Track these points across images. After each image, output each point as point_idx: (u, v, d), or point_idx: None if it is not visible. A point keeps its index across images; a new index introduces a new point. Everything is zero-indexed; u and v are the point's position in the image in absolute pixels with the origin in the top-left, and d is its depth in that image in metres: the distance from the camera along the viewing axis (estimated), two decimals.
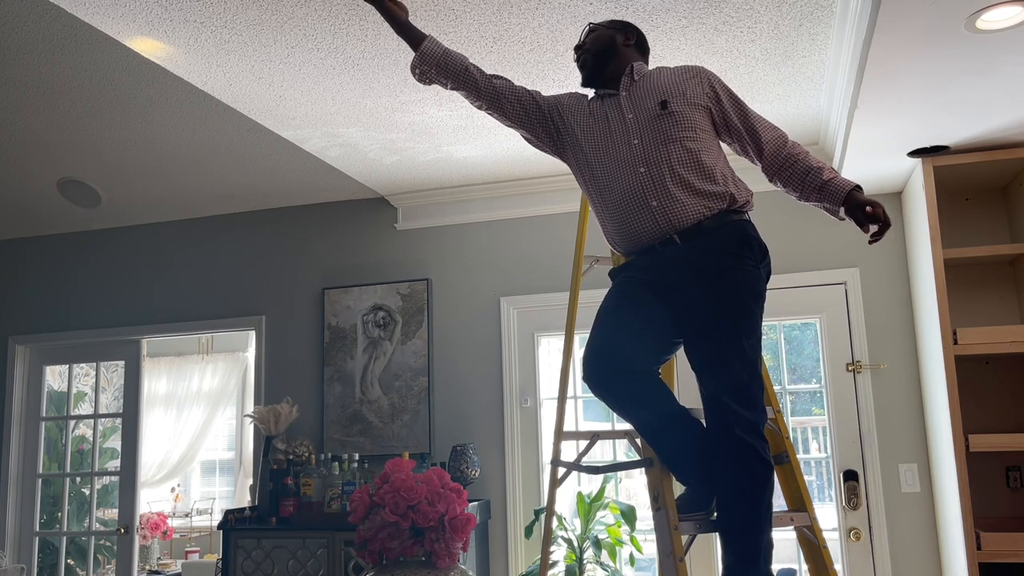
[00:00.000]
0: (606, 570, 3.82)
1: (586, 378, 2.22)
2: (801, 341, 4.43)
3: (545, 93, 3.26)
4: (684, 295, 2.13)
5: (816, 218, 3.98)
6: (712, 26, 2.78)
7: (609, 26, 2.36)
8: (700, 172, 2.14)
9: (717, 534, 2.14)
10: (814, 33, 2.85)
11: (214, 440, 7.13)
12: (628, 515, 3.79)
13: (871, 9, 2.23)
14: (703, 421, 2.16)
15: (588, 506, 3.86)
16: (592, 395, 2.26)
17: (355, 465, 4.08)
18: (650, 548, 3.85)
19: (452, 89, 2.32)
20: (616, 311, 2.22)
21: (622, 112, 2.24)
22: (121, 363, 5.11)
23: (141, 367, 4.99)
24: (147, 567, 5.99)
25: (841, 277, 3.92)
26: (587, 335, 2.27)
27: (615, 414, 2.28)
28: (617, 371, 2.17)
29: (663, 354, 2.25)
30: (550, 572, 3.73)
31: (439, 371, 4.41)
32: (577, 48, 2.38)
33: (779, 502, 2.29)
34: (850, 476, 3.81)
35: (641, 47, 2.39)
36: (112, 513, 5.89)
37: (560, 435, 2.81)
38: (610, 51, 2.31)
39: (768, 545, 2.08)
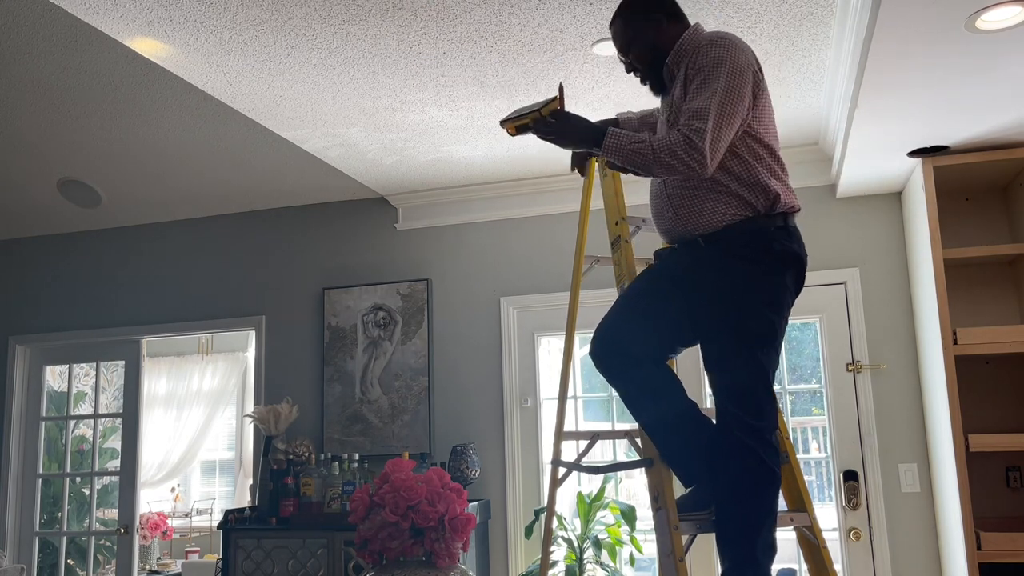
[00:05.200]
0: (606, 570, 3.82)
1: (595, 356, 2.20)
2: (801, 341, 4.43)
3: (547, 90, 3.27)
4: (702, 296, 2.12)
5: (816, 218, 3.98)
6: (712, 26, 2.78)
7: (632, 27, 2.17)
8: (724, 175, 2.08)
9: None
10: (814, 33, 2.85)
11: (214, 440, 7.14)
12: (628, 515, 3.79)
13: (871, 9, 2.23)
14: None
15: (588, 506, 3.86)
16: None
17: (355, 465, 4.08)
18: (650, 548, 3.85)
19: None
20: (639, 298, 2.22)
21: (662, 110, 2.22)
22: (121, 363, 5.11)
23: (141, 367, 4.99)
24: (147, 567, 5.99)
25: (841, 277, 3.92)
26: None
27: (622, 400, 2.27)
28: (629, 357, 2.16)
29: (677, 346, 2.24)
30: (550, 572, 3.73)
31: (439, 371, 4.41)
32: (627, 68, 2.25)
33: (780, 502, 2.29)
34: (850, 476, 3.81)
35: (673, 14, 2.19)
36: (112, 513, 5.89)
37: (560, 435, 2.81)
38: (657, 53, 2.16)
39: (766, 548, 2.06)
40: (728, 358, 2.09)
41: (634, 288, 2.26)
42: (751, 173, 2.08)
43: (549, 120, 2.06)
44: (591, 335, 2.25)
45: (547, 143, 2.22)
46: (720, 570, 2.10)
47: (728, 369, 2.09)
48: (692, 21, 2.72)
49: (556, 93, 2.08)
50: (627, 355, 2.16)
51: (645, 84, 2.25)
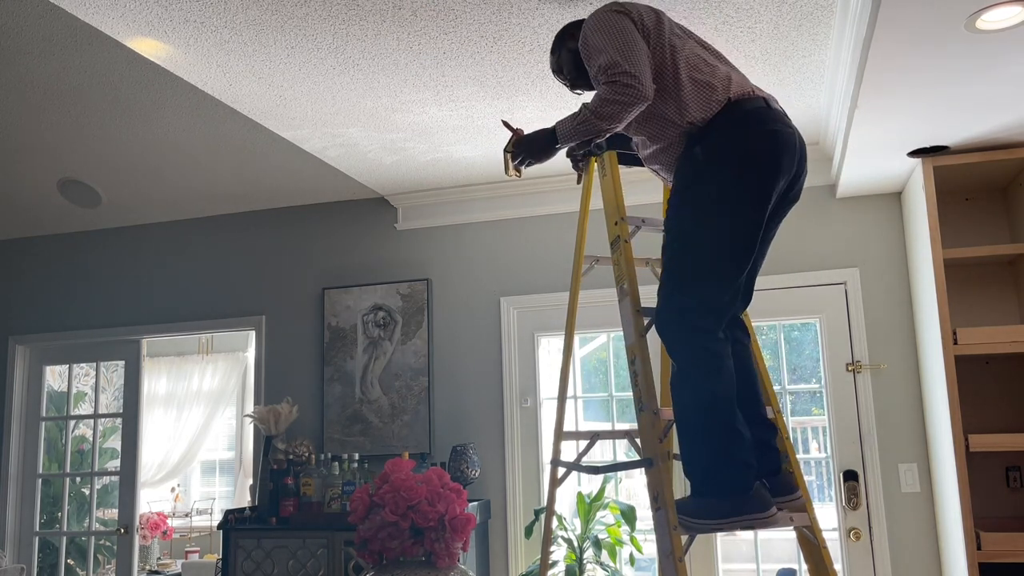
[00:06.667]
0: (606, 570, 3.82)
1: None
2: (801, 341, 4.43)
3: (544, 93, 3.28)
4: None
5: (816, 218, 3.98)
6: (712, 26, 2.78)
7: (560, 53, 2.39)
8: (653, 127, 2.19)
9: None
10: (814, 33, 2.85)
11: (214, 440, 7.14)
12: (628, 515, 3.79)
13: (871, 9, 2.23)
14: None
15: (588, 506, 3.86)
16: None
17: (355, 465, 4.08)
18: (650, 548, 3.85)
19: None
20: None
21: None
22: (121, 363, 5.11)
23: (141, 367, 4.99)
24: (147, 567, 6.00)
25: (841, 277, 3.92)
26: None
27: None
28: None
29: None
30: (550, 572, 3.73)
31: (439, 371, 4.41)
32: (570, 86, 2.44)
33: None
34: (850, 476, 3.81)
35: (578, 24, 2.41)
36: (112, 513, 5.90)
37: (560, 435, 2.81)
38: (579, 58, 2.34)
39: (707, 451, 2.05)
40: (664, 253, 2.18)
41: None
42: (670, 122, 2.17)
43: (516, 151, 2.32)
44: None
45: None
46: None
47: (664, 262, 2.17)
48: (692, 21, 2.74)
49: (509, 131, 2.42)
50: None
51: (589, 90, 2.42)
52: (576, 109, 2.55)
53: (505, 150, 2.35)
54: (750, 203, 2.09)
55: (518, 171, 2.37)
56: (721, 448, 2.04)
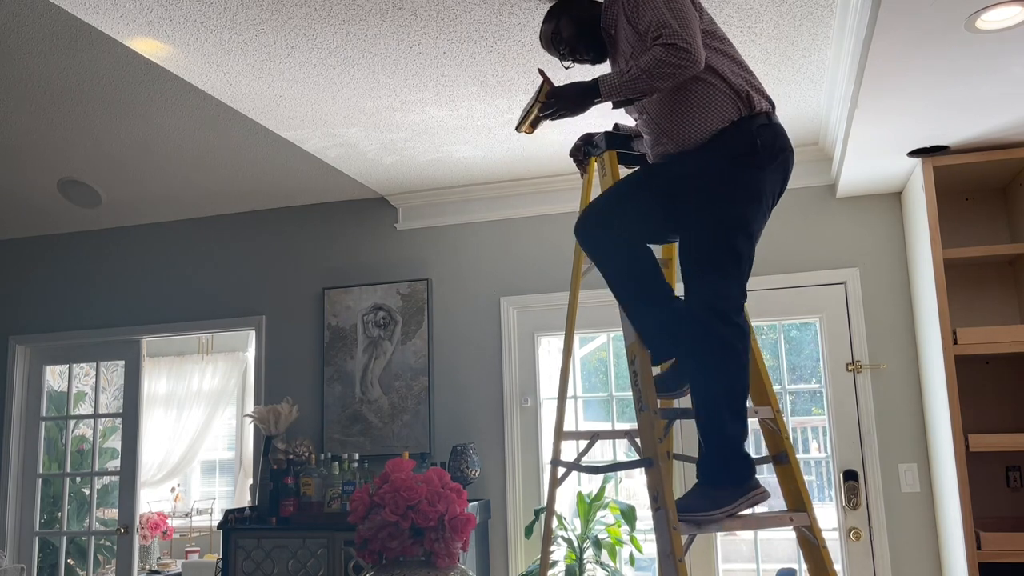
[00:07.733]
0: (606, 570, 3.82)
1: (578, 230, 2.30)
2: (801, 341, 4.43)
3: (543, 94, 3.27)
4: (687, 197, 2.23)
5: (816, 218, 3.98)
6: None
7: (563, 24, 2.36)
8: (698, 88, 2.16)
9: None
10: (814, 33, 2.85)
11: (214, 440, 7.14)
12: (628, 515, 3.79)
13: (871, 9, 2.23)
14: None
15: (588, 506, 3.86)
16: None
17: (355, 465, 4.08)
18: (650, 548, 3.85)
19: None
20: (627, 190, 2.32)
21: (620, 62, 2.32)
22: (121, 363, 5.11)
23: (141, 367, 4.99)
24: (147, 567, 5.99)
25: (841, 277, 3.92)
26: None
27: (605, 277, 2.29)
28: (611, 231, 2.25)
29: (657, 237, 2.40)
30: (550, 572, 3.73)
31: (439, 371, 4.41)
32: (569, 56, 2.39)
33: (779, 502, 2.29)
34: (850, 476, 3.81)
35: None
36: (112, 513, 5.90)
37: (560, 435, 2.80)
38: (585, 27, 2.33)
39: (735, 437, 2.10)
40: (703, 242, 2.16)
41: (621, 185, 2.33)
42: (721, 79, 2.16)
43: (549, 102, 2.19)
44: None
45: (556, 136, 2.41)
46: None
47: (703, 251, 2.16)
48: None
49: (541, 79, 2.24)
50: (610, 229, 2.25)
51: (586, 59, 2.37)
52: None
53: (536, 99, 2.20)
54: (772, 202, 2.21)
55: (533, 127, 2.26)
56: (739, 436, 2.12)
